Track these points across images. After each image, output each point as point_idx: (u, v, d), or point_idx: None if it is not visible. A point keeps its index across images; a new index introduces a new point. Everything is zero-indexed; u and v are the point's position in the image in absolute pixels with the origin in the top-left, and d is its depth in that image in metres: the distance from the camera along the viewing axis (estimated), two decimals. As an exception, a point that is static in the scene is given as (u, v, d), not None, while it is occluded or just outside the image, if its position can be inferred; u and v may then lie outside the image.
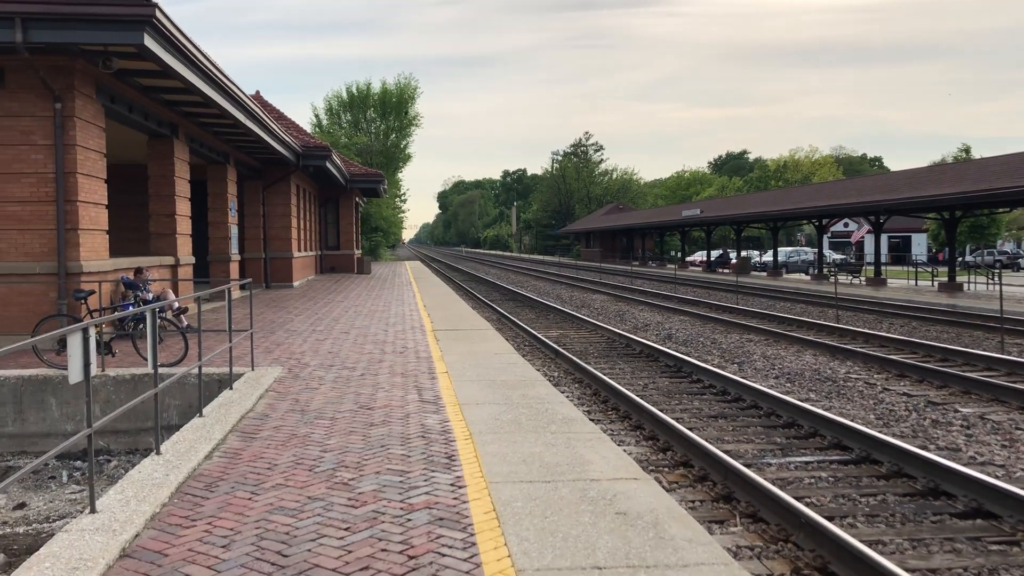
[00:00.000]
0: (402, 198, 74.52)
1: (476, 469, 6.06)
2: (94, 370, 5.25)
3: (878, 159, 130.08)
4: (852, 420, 9.98)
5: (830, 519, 6.32)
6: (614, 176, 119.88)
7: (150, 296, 13.47)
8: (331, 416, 7.87)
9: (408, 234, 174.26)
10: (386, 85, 67.84)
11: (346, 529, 4.87)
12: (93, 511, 5.11)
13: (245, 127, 18.39)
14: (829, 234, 68.51)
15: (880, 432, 9.12)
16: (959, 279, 34.20)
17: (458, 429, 7.32)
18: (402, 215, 76.84)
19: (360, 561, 4.40)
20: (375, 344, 12.97)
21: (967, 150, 58.93)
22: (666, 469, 8.11)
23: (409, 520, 5.01)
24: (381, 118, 68.19)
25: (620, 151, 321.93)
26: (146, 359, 10.40)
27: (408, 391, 9.10)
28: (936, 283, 35.76)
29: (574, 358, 14.25)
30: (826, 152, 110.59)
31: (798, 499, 6.73)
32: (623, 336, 17.75)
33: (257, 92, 32.39)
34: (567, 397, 10.75)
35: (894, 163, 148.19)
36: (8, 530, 7.39)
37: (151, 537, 4.80)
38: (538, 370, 13.00)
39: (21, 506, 8.06)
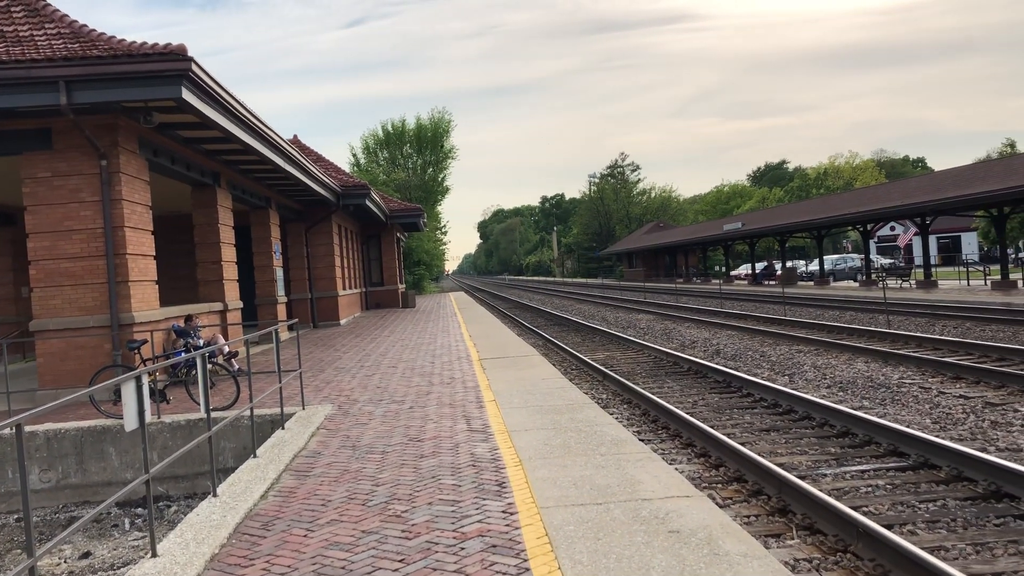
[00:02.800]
0: (443, 230, 75.18)
1: (527, 495, 6.08)
2: (149, 417, 5.39)
3: (921, 160, 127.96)
4: (907, 426, 9.81)
5: (889, 527, 6.23)
6: (653, 195, 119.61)
7: (201, 343, 13.74)
8: (382, 450, 7.95)
9: (451, 265, 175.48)
10: (420, 121, 68.86)
11: (400, 561, 4.92)
12: (154, 555, 5.22)
13: (285, 171, 18.76)
14: (875, 239, 67.41)
15: (937, 436, 8.94)
16: (1012, 276, 33.46)
17: (508, 456, 7.35)
18: (444, 247, 77.45)
19: (415, 591, 4.44)
20: (422, 376, 13.07)
21: (1012, 144, 57.89)
22: (719, 485, 8.04)
23: (462, 549, 5.05)
24: (417, 153, 69.07)
25: (657, 169, 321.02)
26: (199, 404, 10.62)
27: (457, 421, 9.15)
28: (989, 282, 35.03)
29: (622, 379, 14.20)
30: (867, 157, 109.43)
31: (855, 508, 6.63)
32: (670, 354, 17.65)
33: (295, 136, 33.03)
34: (616, 419, 10.72)
35: (938, 163, 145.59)
36: (75, 579, 7.55)
37: (211, 578, 4.89)
38: (586, 393, 12.98)
39: (86, 555, 8.23)
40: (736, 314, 28.76)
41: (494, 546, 5.05)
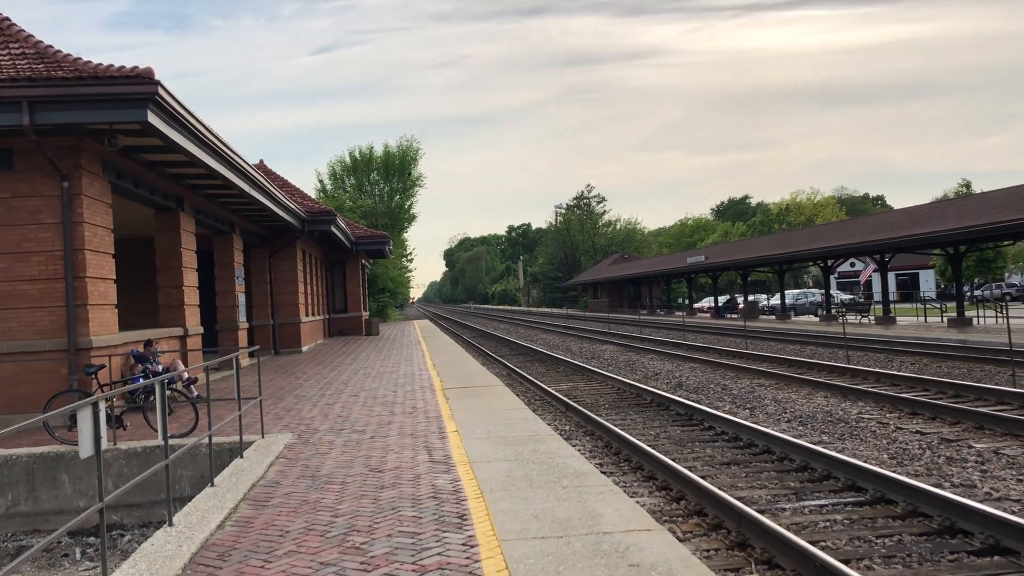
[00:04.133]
0: (408, 258, 75.03)
1: (488, 527, 6.05)
2: (105, 444, 5.29)
3: (880, 198, 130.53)
4: (865, 461, 9.93)
5: (846, 562, 6.27)
6: (618, 226, 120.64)
7: (160, 368, 13.55)
8: (341, 481, 7.87)
9: (416, 293, 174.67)
10: (388, 148, 68.87)
11: (359, 593, 4.86)
12: (106, 586, 5.11)
13: (250, 196, 18.66)
14: (836, 275, 68.51)
15: (894, 472, 9.06)
16: (968, 314, 34.10)
17: (469, 488, 7.31)
18: (409, 275, 77.21)
19: (373, 625, 4.39)
20: (384, 406, 12.98)
21: (967, 185, 59.30)
22: (680, 519, 8.06)
23: (421, 582, 5.00)
24: (385, 180, 69.04)
25: (623, 201, 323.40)
26: (157, 431, 10.45)
27: (418, 452, 9.10)
28: (945, 319, 35.67)
29: (585, 411, 14.22)
30: (828, 193, 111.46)
31: (813, 543, 6.68)
32: (633, 386, 17.71)
33: (261, 161, 32.83)
34: (578, 451, 10.71)
35: (896, 201, 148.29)
36: (22, 610, 7.36)
37: (164, 610, 4.79)
38: (549, 424, 12.96)
39: (35, 585, 8.03)
40: (699, 347, 28.97)
41: (454, 579, 5.01)
